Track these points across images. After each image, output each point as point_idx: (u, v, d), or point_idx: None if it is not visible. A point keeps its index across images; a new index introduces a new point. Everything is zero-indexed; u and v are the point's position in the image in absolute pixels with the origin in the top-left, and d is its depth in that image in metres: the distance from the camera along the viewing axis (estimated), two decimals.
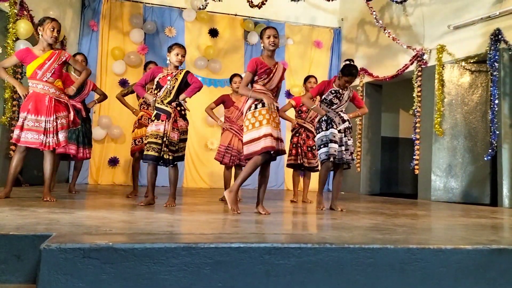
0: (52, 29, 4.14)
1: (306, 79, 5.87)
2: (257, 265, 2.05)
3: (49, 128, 4.08)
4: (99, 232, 2.37)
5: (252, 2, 7.98)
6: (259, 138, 3.65)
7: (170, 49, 4.28)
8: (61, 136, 4.16)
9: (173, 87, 4.21)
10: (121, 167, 8.39)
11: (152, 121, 4.19)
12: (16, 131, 4.05)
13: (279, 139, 3.74)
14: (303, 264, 2.10)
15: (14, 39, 5.82)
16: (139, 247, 1.95)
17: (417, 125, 7.59)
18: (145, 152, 4.14)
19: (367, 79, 8.85)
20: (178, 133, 4.22)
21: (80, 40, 8.29)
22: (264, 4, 8.07)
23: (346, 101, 4.66)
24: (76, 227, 2.54)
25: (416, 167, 7.52)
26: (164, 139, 4.11)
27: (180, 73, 4.26)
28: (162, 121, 4.14)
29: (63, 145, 4.21)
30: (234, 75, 5.68)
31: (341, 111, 4.64)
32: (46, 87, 4.10)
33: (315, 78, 5.85)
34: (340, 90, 4.60)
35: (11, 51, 5.76)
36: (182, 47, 4.29)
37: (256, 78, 3.81)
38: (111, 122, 8.25)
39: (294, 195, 5.82)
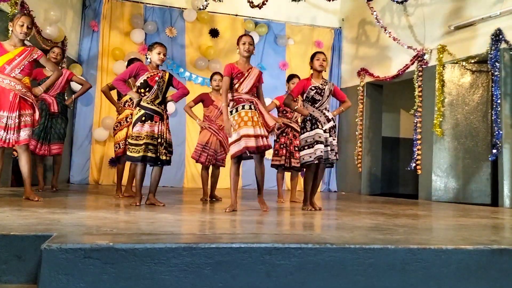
0: (21, 24, 4.04)
1: (289, 78, 5.82)
2: (257, 265, 2.05)
3: (10, 124, 3.98)
4: (100, 232, 2.37)
5: (252, 2, 7.98)
6: (236, 140, 4.00)
7: (151, 47, 4.24)
8: (24, 133, 4.05)
9: (162, 88, 4.21)
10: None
11: (142, 121, 4.11)
12: None
13: (260, 136, 4.02)
14: (304, 264, 2.10)
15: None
16: (140, 247, 1.95)
17: (418, 125, 7.58)
18: (139, 154, 4.06)
19: (367, 79, 8.85)
20: (170, 134, 4.26)
21: (80, 41, 8.29)
22: (265, 4, 8.07)
23: (328, 96, 4.53)
24: (77, 227, 2.54)
25: (418, 167, 7.51)
26: (160, 140, 4.11)
27: (165, 75, 4.27)
28: (156, 122, 4.13)
29: (25, 143, 4.09)
30: (215, 73, 5.57)
31: (325, 108, 4.53)
32: (12, 83, 4.01)
33: (299, 78, 5.80)
34: (320, 85, 4.50)
35: None
36: (163, 46, 4.26)
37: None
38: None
39: (279, 196, 5.68)
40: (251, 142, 3.96)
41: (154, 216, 3.39)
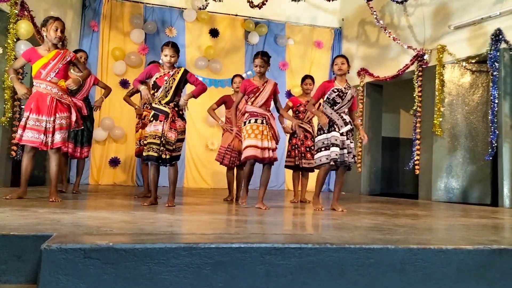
0: (55, 29, 4.13)
1: (303, 79, 5.91)
2: (257, 265, 2.05)
3: (49, 128, 4.08)
4: (99, 232, 2.37)
5: (252, 2, 7.98)
6: (244, 149, 4.50)
7: (161, 49, 4.27)
8: (59, 136, 4.12)
9: (171, 87, 4.19)
10: (122, 168, 8.39)
11: (151, 121, 4.19)
12: (19, 131, 4.07)
13: (267, 148, 4.45)
14: (303, 264, 2.10)
15: (15, 39, 5.82)
16: (139, 247, 1.95)
17: (418, 125, 7.58)
18: (145, 153, 4.14)
19: (367, 79, 8.85)
20: (175, 133, 4.22)
21: (80, 41, 8.29)
22: (265, 4, 8.07)
23: (349, 100, 4.54)
24: (77, 227, 2.54)
25: (417, 167, 7.52)
26: (162, 139, 4.12)
27: (178, 72, 4.25)
28: (161, 121, 4.14)
29: (59, 145, 4.17)
30: (235, 75, 5.73)
31: (344, 112, 4.55)
32: (49, 87, 4.11)
33: (311, 79, 5.86)
34: (343, 89, 4.52)
35: (12, 51, 5.77)
36: (171, 47, 4.21)
37: (246, 98, 4.63)
38: (114, 123, 8.25)
39: (295, 195, 5.82)
40: (258, 152, 4.42)
41: (154, 216, 3.39)
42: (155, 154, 4.10)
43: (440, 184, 7.21)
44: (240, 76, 5.66)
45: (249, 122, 4.52)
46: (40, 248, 1.89)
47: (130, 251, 1.93)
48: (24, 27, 5.86)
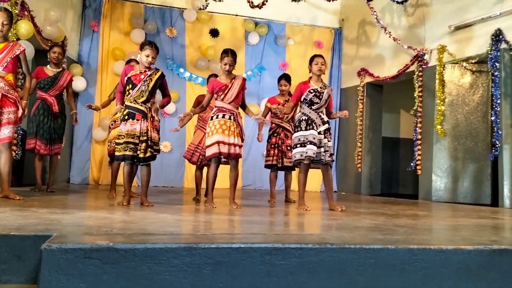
0: None
1: (278, 80, 5.87)
2: (258, 266, 2.05)
3: None
4: (100, 233, 2.37)
5: (252, 2, 7.97)
6: (211, 145, 4.39)
7: (142, 47, 4.22)
8: (7, 131, 3.99)
9: (147, 87, 4.18)
10: (122, 168, 8.37)
11: (125, 120, 4.14)
12: None
13: (233, 144, 4.39)
14: (304, 265, 2.10)
15: (15, 39, 5.81)
16: (140, 247, 1.95)
17: (418, 125, 7.58)
18: (120, 153, 4.09)
19: (368, 79, 8.84)
20: (157, 132, 4.24)
21: (81, 41, 8.28)
22: (265, 4, 8.07)
23: (326, 100, 4.56)
24: (77, 228, 2.54)
25: (418, 167, 7.51)
26: (141, 138, 4.09)
27: (155, 74, 4.25)
28: (138, 120, 4.12)
29: (8, 141, 4.02)
30: (211, 75, 5.63)
31: (322, 111, 4.57)
32: None
33: (286, 79, 5.79)
34: (319, 89, 4.53)
35: None
36: (154, 48, 4.20)
37: (215, 96, 4.53)
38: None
39: (272, 196, 5.69)
40: (225, 148, 4.36)
41: (154, 216, 3.39)
42: (131, 153, 4.08)
43: (440, 184, 7.21)
44: (215, 75, 5.57)
45: (217, 118, 4.45)
46: (40, 248, 1.89)
47: (130, 251, 1.93)
48: (24, 27, 5.86)
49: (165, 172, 8.35)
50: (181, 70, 8.77)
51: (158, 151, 4.24)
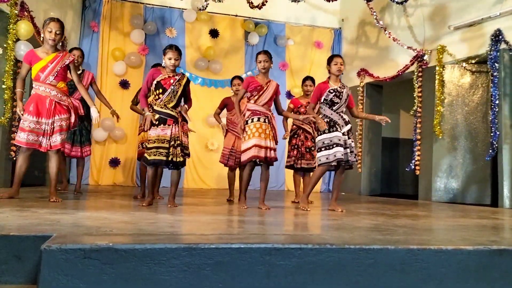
0: (50, 31, 4.10)
1: (303, 81, 5.92)
2: (257, 266, 2.05)
3: (47, 130, 4.09)
4: (99, 233, 2.37)
5: (252, 3, 7.97)
6: (247, 149, 4.38)
7: (164, 52, 4.24)
8: (59, 138, 4.13)
9: (177, 92, 4.20)
10: (122, 168, 8.39)
11: (156, 125, 4.14)
12: (20, 133, 4.08)
13: (269, 148, 4.38)
14: (303, 265, 2.10)
15: (15, 39, 5.81)
16: (139, 247, 1.95)
17: (418, 125, 7.58)
18: (151, 157, 4.08)
19: (367, 79, 8.85)
20: (187, 137, 4.29)
21: (80, 41, 8.29)
22: (265, 5, 8.07)
23: (346, 99, 4.56)
24: (77, 228, 2.54)
25: (417, 167, 7.51)
26: (173, 142, 4.12)
27: (183, 79, 4.28)
28: (169, 125, 4.14)
29: (59, 147, 4.16)
30: (234, 77, 5.69)
31: (342, 111, 4.56)
32: (47, 89, 4.11)
33: (312, 80, 5.86)
34: (338, 88, 4.53)
35: (12, 52, 5.76)
36: (174, 50, 4.20)
37: (248, 94, 4.50)
38: (114, 124, 8.24)
39: (296, 196, 5.80)
40: (261, 152, 4.33)
41: (154, 216, 3.39)
42: (163, 158, 4.09)
43: (440, 184, 7.21)
44: (239, 77, 5.64)
45: (252, 121, 4.43)
46: (40, 248, 1.89)
47: (130, 251, 1.93)
48: (24, 28, 5.86)
49: (165, 173, 8.32)
50: (181, 70, 8.77)
51: (189, 155, 4.29)
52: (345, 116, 4.55)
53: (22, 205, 3.62)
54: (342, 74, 4.66)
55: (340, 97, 4.51)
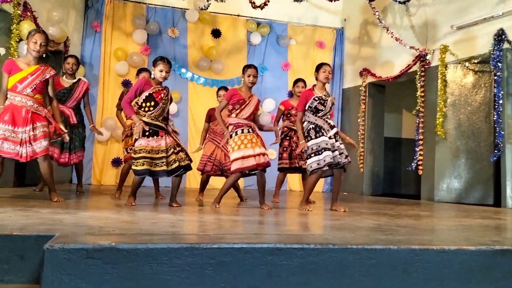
0: (34, 42, 4.01)
1: (295, 82, 5.88)
2: (259, 266, 2.05)
3: (25, 138, 3.96)
4: (102, 233, 2.38)
5: (254, 2, 7.97)
6: (242, 158, 4.35)
7: (155, 63, 4.22)
8: (44, 143, 4.02)
9: (166, 106, 4.26)
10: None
11: (147, 136, 4.12)
12: None
13: (261, 154, 4.38)
14: (305, 265, 2.10)
15: (18, 40, 5.83)
16: (142, 247, 1.95)
17: (420, 125, 7.57)
18: (145, 167, 4.07)
19: (370, 79, 8.83)
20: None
21: (83, 41, 8.30)
22: (267, 4, 8.07)
23: (330, 107, 4.57)
24: (79, 228, 2.55)
25: (420, 167, 7.50)
26: (172, 150, 4.17)
27: (168, 92, 4.31)
28: (162, 136, 4.17)
29: (45, 153, 4.05)
30: (220, 88, 5.65)
31: (327, 117, 4.57)
32: (24, 100, 4.00)
33: (303, 82, 5.83)
34: (323, 96, 4.54)
35: (15, 52, 5.78)
36: (166, 63, 4.20)
37: (230, 107, 4.49)
38: (116, 123, 8.25)
39: (275, 196, 5.70)
40: (251, 162, 4.33)
41: (156, 216, 3.39)
42: (165, 168, 4.13)
43: (443, 184, 7.19)
44: (225, 88, 5.63)
45: (236, 134, 4.44)
46: (43, 248, 1.89)
47: (132, 251, 1.93)
48: (27, 28, 5.86)
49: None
50: (183, 70, 8.79)
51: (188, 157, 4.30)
52: (330, 121, 4.57)
53: (25, 205, 3.63)
54: (329, 82, 4.66)
55: (325, 104, 4.53)
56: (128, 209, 3.85)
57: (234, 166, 4.41)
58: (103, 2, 8.43)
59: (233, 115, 4.49)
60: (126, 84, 8.41)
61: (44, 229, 2.33)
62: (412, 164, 7.55)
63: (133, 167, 4.15)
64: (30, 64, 4.09)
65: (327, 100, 4.54)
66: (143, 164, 4.08)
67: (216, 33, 9.00)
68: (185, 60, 8.86)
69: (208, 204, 4.67)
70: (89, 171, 8.15)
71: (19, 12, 5.83)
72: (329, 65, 4.68)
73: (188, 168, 4.26)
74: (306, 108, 4.54)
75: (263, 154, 4.42)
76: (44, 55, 4.18)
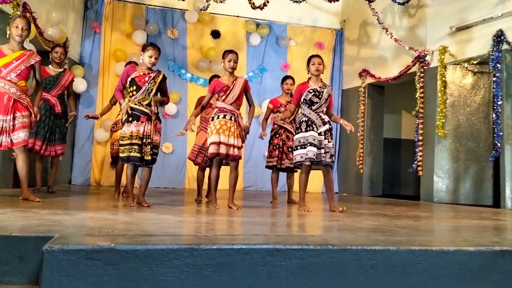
0: (16, 26, 4.01)
1: (283, 80, 5.86)
2: (259, 267, 2.05)
3: (5, 127, 3.96)
4: (101, 234, 2.38)
5: (254, 3, 7.98)
6: (209, 145, 4.40)
7: (144, 48, 4.24)
8: (22, 134, 4.02)
9: (152, 90, 4.21)
10: (125, 169, 8.38)
11: (129, 122, 4.14)
12: None
13: (232, 146, 4.38)
14: (305, 266, 2.10)
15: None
16: (141, 248, 1.95)
17: (420, 126, 7.57)
18: (124, 154, 4.10)
19: (369, 80, 8.84)
20: (159, 136, 4.28)
21: (82, 42, 8.30)
22: (266, 5, 8.08)
23: (326, 99, 4.55)
24: (79, 229, 2.55)
25: (419, 168, 7.50)
26: (144, 140, 4.13)
27: (158, 76, 4.27)
28: (142, 122, 4.14)
29: (23, 144, 4.06)
30: (213, 76, 5.65)
31: (322, 111, 4.55)
32: (7, 86, 3.99)
33: (292, 79, 5.81)
34: (318, 88, 4.53)
35: None
36: (156, 49, 4.24)
37: (216, 96, 4.52)
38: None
39: (274, 196, 5.69)
40: (223, 149, 4.36)
41: (156, 217, 3.39)
42: (138, 155, 4.10)
43: (442, 185, 7.20)
44: (217, 76, 5.59)
45: (218, 118, 4.45)
46: (42, 249, 1.89)
47: (132, 252, 1.93)
48: None
49: (166, 173, 8.36)
50: (183, 71, 8.78)
51: (157, 154, 4.27)
52: (324, 116, 4.54)
53: (24, 206, 3.63)
54: (322, 73, 4.66)
55: (320, 96, 4.52)
56: (127, 210, 3.85)
57: (210, 150, 4.41)
58: (102, 3, 8.43)
59: (218, 103, 4.51)
60: None
61: (43, 230, 2.33)
62: (413, 165, 7.55)
63: (120, 154, 4.17)
64: (14, 50, 4.08)
65: (322, 92, 4.53)
66: (132, 151, 4.09)
67: (215, 34, 9.00)
68: (184, 61, 8.87)
69: (209, 204, 4.67)
70: (88, 172, 8.15)
71: (19, 13, 5.82)
72: (318, 56, 4.71)
73: (149, 163, 4.19)
74: (302, 100, 4.55)
75: (236, 147, 4.42)
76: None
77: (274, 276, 2.06)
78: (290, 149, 5.53)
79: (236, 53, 4.54)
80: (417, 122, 7.63)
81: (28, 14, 6.00)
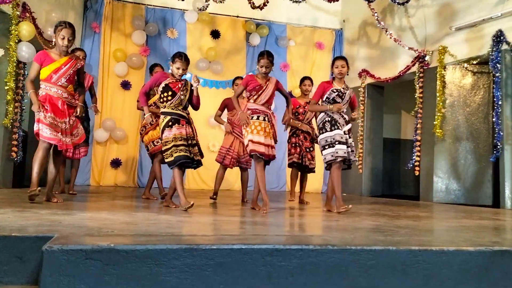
0: (62, 38, 4.10)
1: (301, 81, 5.93)
2: (258, 267, 2.05)
3: (66, 128, 4.13)
4: (101, 234, 2.37)
5: (253, 3, 7.98)
6: (249, 143, 4.35)
7: (173, 59, 4.28)
8: (79, 132, 4.31)
9: (185, 96, 4.27)
10: (123, 169, 8.39)
11: (169, 126, 4.15)
12: (40, 126, 4.02)
13: (270, 146, 4.37)
14: (304, 266, 2.10)
15: (17, 41, 5.83)
16: (140, 248, 1.95)
17: (419, 126, 7.57)
18: (172, 158, 4.06)
19: (368, 80, 8.84)
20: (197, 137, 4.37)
21: (82, 42, 8.29)
22: (266, 5, 8.08)
23: (347, 101, 4.57)
24: (78, 229, 2.55)
25: (417, 168, 7.50)
26: (189, 141, 4.19)
27: (188, 84, 4.35)
28: (183, 125, 4.19)
29: (80, 142, 4.36)
30: (236, 78, 5.72)
31: (343, 111, 4.56)
32: (59, 91, 4.11)
33: (310, 80, 5.89)
34: (342, 89, 4.54)
35: (14, 53, 5.78)
36: (184, 60, 4.27)
37: (247, 94, 4.50)
38: (115, 124, 8.26)
39: (292, 195, 5.76)
40: (262, 149, 4.32)
41: (155, 217, 3.39)
42: (186, 154, 4.11)
43: (442, 185, 7.20)
44: (241, 78, 5.64)
45: (251, 119, 4.43)
46: (42, 249, 1.89)
47: (131, 252, 1.93)
48: (25, 29, 5.87)
49: (166, 174, 8.34)
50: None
51: (202, 154, 4.35)
52: (345, 116, 4.57)
53: (24, 206, 3.63)
54: (348, 75, 4.65)
55: (343, 97, 4.53)
56: (127, 210, 3.85)
57: (251, 147, 4.35)
58: (102, 3, 8.43)
59: (251, 101, 4.47)
60: (125, 85, 8.42)
61: (43, 230, 2.33)
62: (409, 164, 7.56)
63: (166, 160, 4.13)
64: (61, 55, 4.19)
65: (345, 93, 4.55)
66: (177, 152, 4.07)
67: (215, 34, 9.00)
68: None
69: (209, 205, 4.66)
70: (88, 172, 8.14)
71: (18, 13, 5.82)
72: (342, 58, 4.65)
73: (199, 163, 4.26)
74: (324, 99, 4.55)
75: (272, 147, 4.42)
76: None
77: (274, 276, 2.06)
78: (307, 150, 5.63)
79: (269, 56, 4.46)
80: (416, 122, 7.63)
81: (27, 14, 6.00)
